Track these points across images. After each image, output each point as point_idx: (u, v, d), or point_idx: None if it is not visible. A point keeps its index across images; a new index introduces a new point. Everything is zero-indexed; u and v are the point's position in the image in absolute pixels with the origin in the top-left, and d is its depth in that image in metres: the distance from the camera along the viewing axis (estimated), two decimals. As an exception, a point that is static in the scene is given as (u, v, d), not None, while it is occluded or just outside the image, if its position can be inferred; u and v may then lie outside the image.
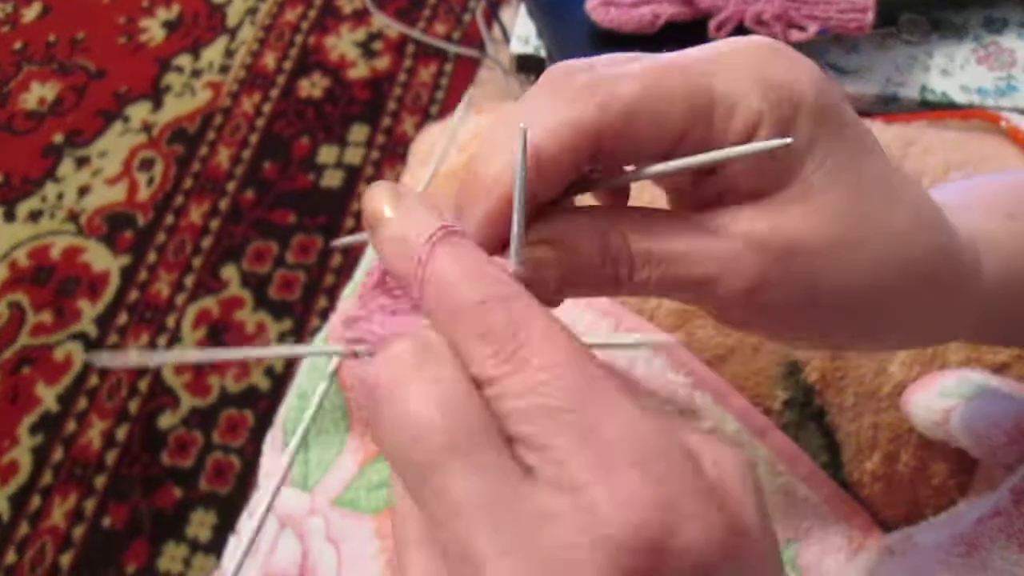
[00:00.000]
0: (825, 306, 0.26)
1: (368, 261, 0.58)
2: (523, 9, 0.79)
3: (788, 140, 0.23)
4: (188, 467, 1.12)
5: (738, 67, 0.25)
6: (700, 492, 0.19)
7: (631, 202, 0.29)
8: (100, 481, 1.12)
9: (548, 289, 0.25)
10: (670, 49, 0.26)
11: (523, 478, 0.20)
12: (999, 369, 0.44)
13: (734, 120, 0.24)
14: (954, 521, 0.39)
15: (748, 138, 0.24)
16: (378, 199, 0.25)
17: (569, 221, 0.26)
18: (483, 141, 0.25)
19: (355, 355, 0.26)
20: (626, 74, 0.24)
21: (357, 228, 1.27)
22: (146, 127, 1.42)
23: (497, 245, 0.25)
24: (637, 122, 0.24)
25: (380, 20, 1.48)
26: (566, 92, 0.25)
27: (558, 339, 0.21)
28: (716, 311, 0.28)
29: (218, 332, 1.21)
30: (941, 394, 0.42)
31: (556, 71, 0.25)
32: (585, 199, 0.28)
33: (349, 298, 0.57)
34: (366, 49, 1.47)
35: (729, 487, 0.20)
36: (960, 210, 0.29)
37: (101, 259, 1.30)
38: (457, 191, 0.25)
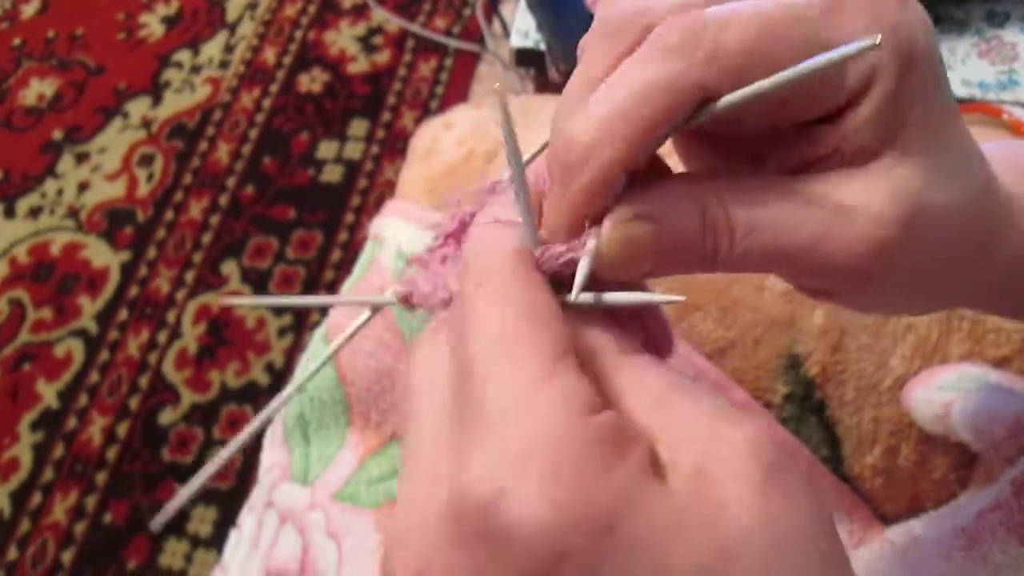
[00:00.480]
0: (928, 271, 0.24)
1: (368, 256, 0.58)
2: (523, 3, 0.78)
3: (876, 40, 0.20)
4: (189, 463, 1.12)
5: (852, 9, 0.22)
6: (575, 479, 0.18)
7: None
8: (101, 477, 1.12)
9: (641, 269, 0.24)
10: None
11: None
12: (1000, 363, 0.44)
13: (850, 72, 0.22)
14: (954, 514, 0.39)
15: (866, 91, 0.22)
16: None
17: (665, 193, 0.23)
18: (565, 100, 0.24)
19: (408, 304, 0.27)
20: (733, 20, 0.21)
21: (357, 223, 1.27)
22: (145, 123, 1.42)
23: (599, 215, 0.23)
24: (748, 80, 0.21)
25: (380, 15, 1.48)
26: (659, 42, 0.22)
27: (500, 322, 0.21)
28: (816, 283, 0.26)
29: (218, 328, 1.21)
30: (941, 388, 0.42)
31: (616, 11, 0.23)
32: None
33: (349, 293, 0.57)
34: (366, 44, 1.47)
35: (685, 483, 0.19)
36: (996, 169, 0.27)
37: (101, 255, 1.29)
38: (549, 157, 0.24)
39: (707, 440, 0.20)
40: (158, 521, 0.25)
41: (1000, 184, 0.26)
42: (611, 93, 0.22)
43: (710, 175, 0.26)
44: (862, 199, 0.23)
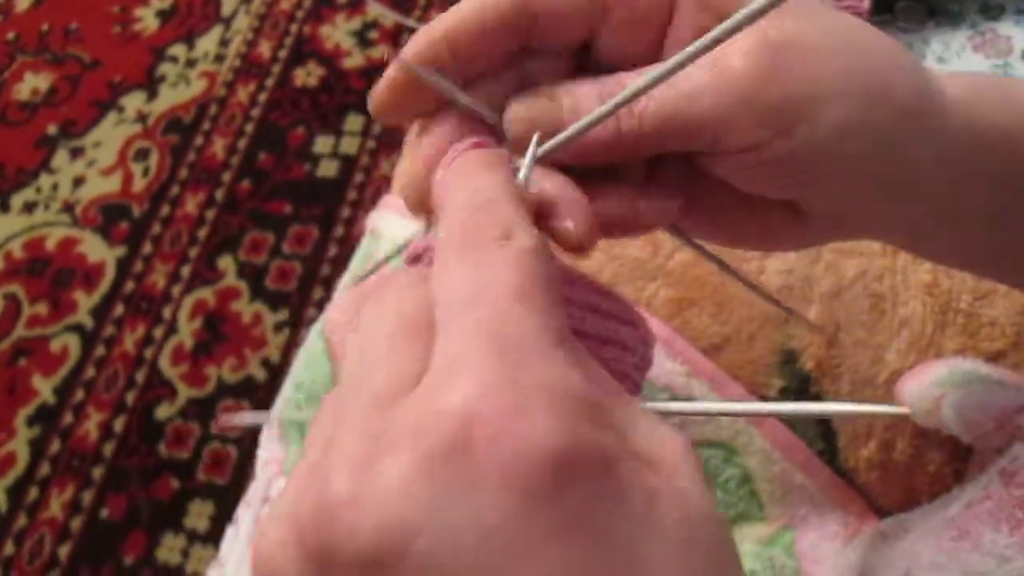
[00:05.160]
0: (819, 114, 0.25)
1: (365, 250, 0.58)
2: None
3: (905, 410, 0.24)
4: (185, 458, 1.12)
5: None
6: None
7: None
8: (98, 472, 1.12)
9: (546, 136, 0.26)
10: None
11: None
12: (994, 357, 0.45)
13: None
14: (945, 506, 0.39)
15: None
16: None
17: (560, 79, 0.27)
18: None
19: None
20: None
21: (353, 218, 1.27)
22: (141, 117, 1.41)
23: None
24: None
25: (375, 9, 1.47)
26: None
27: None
28: (724, 143, 0.26)
29: (214, 323, 1.21)
30: (933, 382, 0.42)
31: None
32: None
33: (346, 288, 0.57)
34: (361, 38, 1.46)
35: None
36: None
37: (96, 250, 1.29)
38: None
39: (649, 431, 0.21)
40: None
41: (935, 86, 0.27)
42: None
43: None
44: (740, 39, 0.24)
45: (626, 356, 0.27)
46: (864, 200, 0.28)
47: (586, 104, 0.26)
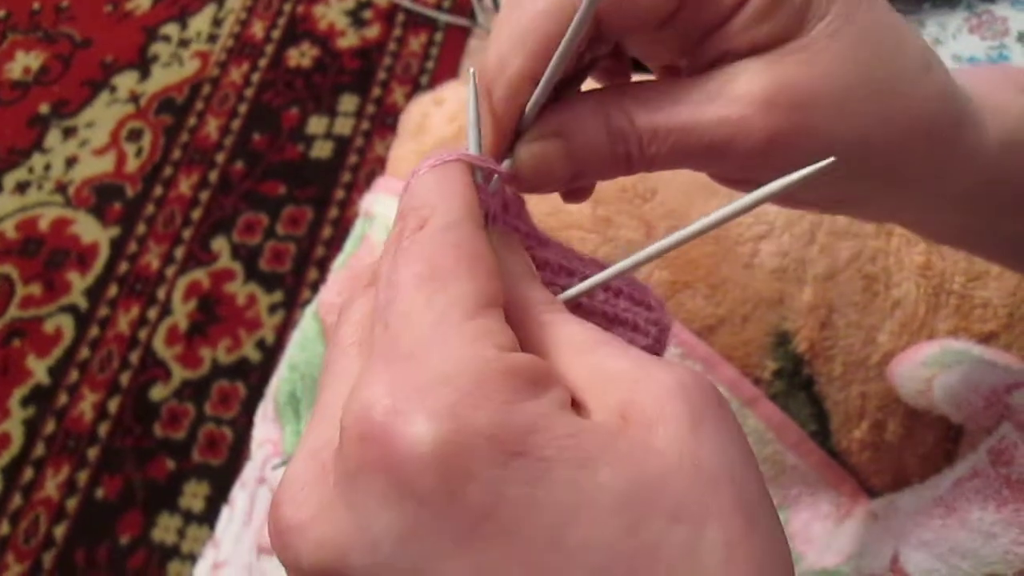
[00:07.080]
0: (842, 159, 0.24)
1: (358, 232, 0.58)
2: (514, -23, 0.77)
3: (831, 160, 0.21)
4: (181, 439, 1.12)
5: None
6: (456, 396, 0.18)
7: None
8: (93, 453, 1.12)
9: (559, 179, 0.25)
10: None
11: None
12: (987, 338, 0.45)
13: None
14: (935, 485, 0.39)
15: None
16: None
17: (571, 110, 0.25)
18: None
19: None
20: None
21: (347, 199, 1.27)
22: (133, 97, 1.40)
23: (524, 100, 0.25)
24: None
25: (369, -12, 1.46)
26: None
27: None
28: (733, 173, 0.26)
29: (209, 304, 1.21)
30: (924, 363, 0.42)
31: None
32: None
33: (340, 269, 0.57)
34: (355, 18, 1.45)
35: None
36: (967, 78, 0.28)
37: (90, 231, 1.29)
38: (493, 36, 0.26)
39: (633, 382, 0.20)
40: None
41: (959, 89, 0.27)
42: (513, 14, 0.25)
43: (618, 88, 0.26)
44: (752, 89, 0.24)
45: (637, 337, 0.27)
46: (869, 195, 0.27)
47: (595, 138, 0.25)
